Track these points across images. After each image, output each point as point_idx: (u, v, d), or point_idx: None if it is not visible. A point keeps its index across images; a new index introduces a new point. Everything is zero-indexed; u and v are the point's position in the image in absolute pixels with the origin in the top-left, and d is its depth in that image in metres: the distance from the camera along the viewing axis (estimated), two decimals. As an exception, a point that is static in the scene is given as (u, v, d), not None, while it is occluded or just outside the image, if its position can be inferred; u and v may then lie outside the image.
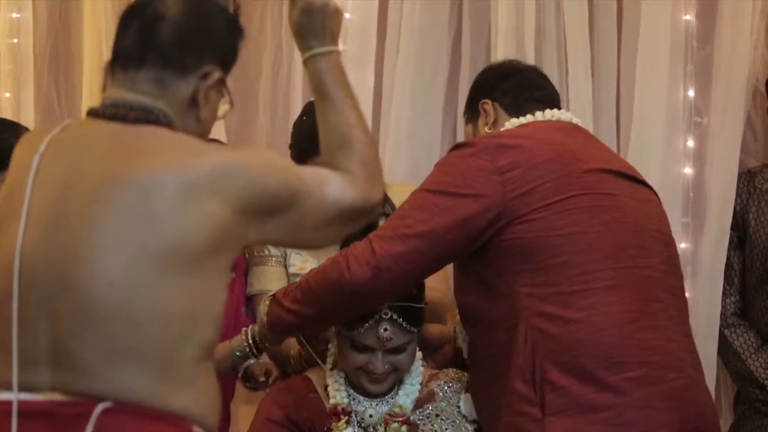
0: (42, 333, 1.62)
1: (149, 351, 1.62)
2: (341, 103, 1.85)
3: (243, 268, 2.84)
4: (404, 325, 2.34)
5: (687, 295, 2.62)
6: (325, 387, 2.44)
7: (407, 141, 3.19)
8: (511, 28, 3.07)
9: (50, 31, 3.57)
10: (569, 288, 2.13)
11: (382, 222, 2.31)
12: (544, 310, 2.13)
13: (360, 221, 1.85)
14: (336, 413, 2.39)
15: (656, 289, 2.21)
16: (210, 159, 1.69)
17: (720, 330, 2.95)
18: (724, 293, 2.96)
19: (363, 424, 2.40)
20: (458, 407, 2.41)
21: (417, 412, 2.41)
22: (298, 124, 2.83)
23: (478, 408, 2.34)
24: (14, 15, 3.53)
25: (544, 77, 2.53)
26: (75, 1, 3.56)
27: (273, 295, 2.33)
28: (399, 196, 2.48)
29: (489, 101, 2.42)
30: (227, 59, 1.82)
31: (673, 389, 2.13)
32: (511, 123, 2.38)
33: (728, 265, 2.96)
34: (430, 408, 2.42)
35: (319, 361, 2.46)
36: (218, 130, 3.14)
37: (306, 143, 2.50)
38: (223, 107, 1.85)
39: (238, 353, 2.41)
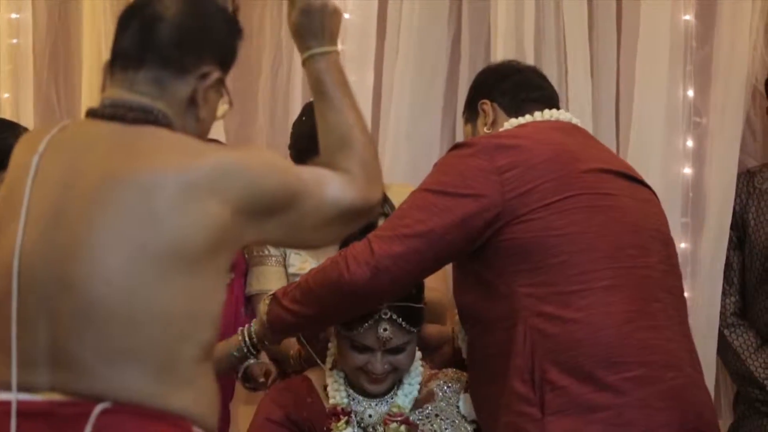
0: (41, 333, 1.62)
1: (148, 351, 1.62)
2: (340, 103, 1.85)
3: (242, 268, 2.85)
4: (404, 325, 2.34)
5: (686, 295, 2.62)
6: (325, 387, 2.44)
7: (406, 141, 3.19)
8: (510, 28, 3.07)
9: (49, 32, 3.57)
10: (568, 288, 2.13)
11: (381, 222, 2.32)
12: (542, 310, 2.13)
13: (359, 221, 1.85)
14: (335, 413, 2.39)
15: (655, 288, 2.21)
16: (209, 159, 1.69)
17: (719, 330, 2.95)
18: (723, 293, 2.96)
19: (362, 424, 2.40)
20: (458, 407, 2.41)
21: (416, 412, 2.41)
22: (297, 124, 2.83)
23: (477, 408, 2.34)
24: (13, 15, 3.52)
25: (543, 77, 2.53)
26: (74, 1, 3.56)
27: (273, 295, 2.33)
28: (398, 196, 2.48)
29: (488, 101, 2.43)
30: (226, 59, 1.82)
31: (672, 389, 2.13)
32: (510, 123, 2.38)
33: (728, 265, 2.96)
34: (430, 408, 2.42)
35: (319, 361, 2.46)
36: (218, 130, 3.14)
37: (305, 143, 2.50)
38: (222, 107, 1.85)
39: (235, 353, 2.41)
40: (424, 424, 2.39)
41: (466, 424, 2.40)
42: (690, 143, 3.04)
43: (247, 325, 2.42)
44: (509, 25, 3.07)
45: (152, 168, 1.65)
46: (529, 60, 2.98)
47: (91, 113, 1.77)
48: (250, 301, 2.82)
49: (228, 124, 3.29)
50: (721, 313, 2.95)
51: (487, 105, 2.42)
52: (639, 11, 3.03)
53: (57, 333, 1.61)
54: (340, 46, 1.93)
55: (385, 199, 2.62)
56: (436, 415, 2.41)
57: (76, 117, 3.38)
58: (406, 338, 2.36)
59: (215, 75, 1.78)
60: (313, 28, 1.88)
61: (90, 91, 3.36)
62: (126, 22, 1.78)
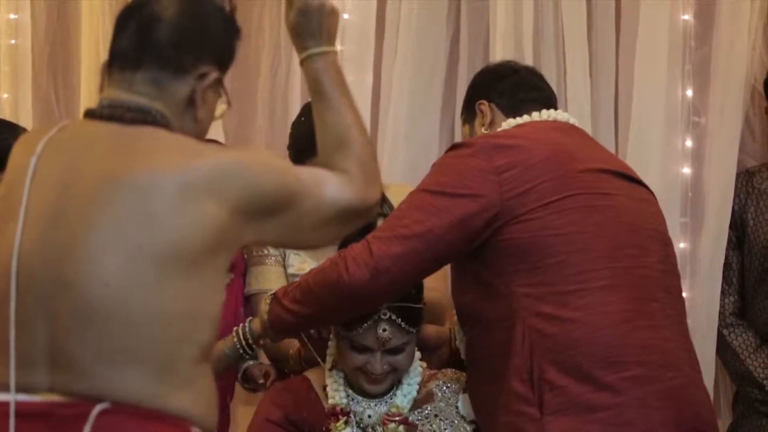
0: (40, 333, 1.62)
1: (147, 352, 1.62)
2: (338, 103, 1.85)
3: (242, 269, 2.84)
4: (403, 326, 2.34)
5: (685, 295, 2.62)
6: (324, 387, 2.44)
7: (405, 141, 3.20)
8: (509, 28, 3.07)
9: (48, 32, 3.57)
10: (566, 288, 2.13)
11: (380, 222, 2.32)
12: (541, 310, 2.13)
13: (358, 221, 1.85)
14: (335, 413, 2.39)
15: (653, 288, 2.21)
16: (208, 159, 1.69)
17: (718, 330, 2.95)
18: (722, 293, 2.96)
19: (362, 425, 2.40)
20: (457, 407, 2.41)
21: (416, 413, 2.41)
22: (296, 124, 2.83)
23: (475, 408, 2.34)
24: (12, 16, 3.52)
25: (541, 78, 2.53)
26: (73, 1, 3.56)
27: (274, 294, 2.33)
28: (397, 196, 2.48)
29: (485, 102, 2.43)
30: (224, 59, 1.82)
31: (670, 388, 2.13)
32: (508, 123, 2.38)
33: (727, 265, 2.96)
34: (429, 408, 2.41)
35: (321, 361, 2.46)
36: (217, 131, 3.14)
37: (304, 144, 2.51)
38: (220, 107, 1.85)
39: (228, 352, 2.40)
40: (423, 425, 2.39)
41: (465, 425, 2.40)
42: (689, 143, 3.04)
43: (241, 325, 2.42)
44: (508, 25, 3.07)
45: (150, 168, 1.65)
46: (528, 60, 2.98)
47: (89, 114, 1.77)
48: (249, 300, 2.82)
49: (227, 125, 3.29)
50: (720, 313, 2.95)
51: (484, 105, 2.43)
52: (638, 11, 3.04)
53: (56, 333, 1.61)
54: (338, 47, 1.93)
55: (384, 200, 2.62)
56: (436, 416, 2.40)
57: (75, 117, 3.38)
58: (405, 338, 2.36)
59: (213, 75, 1.78)
60: (311, 29, 1.88)
61: (89, 91, 3.36)
62: (124, 22, 1.78)
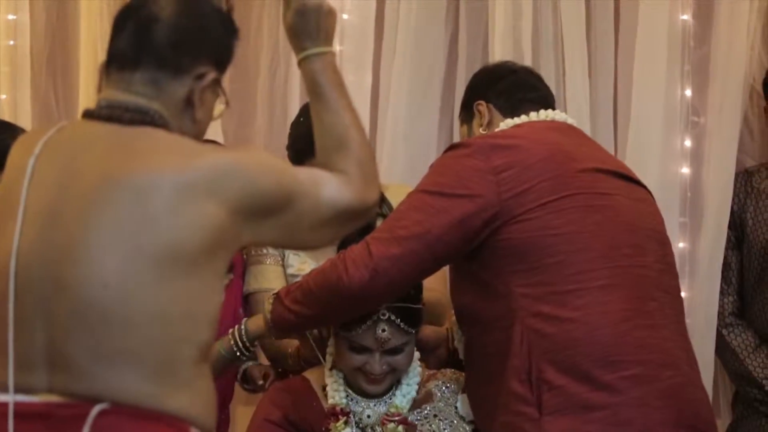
0: (38, 334, 1.62)
1: (146, 352, 1.62)
2: (336, 103, 1.85)
3: (241, 269, 2.84)
4: (402, 326, 2.34)
5: (684, 294, 2.62)
6: (323, 387, 2.44)
7: (404, 141, 3.19)
8: (508, 28, 3.08)
9: (47, 33, 3.57)
10: (564, 287, 2.13)
11: (379, 223, 2.32)
12: (539, 309, 2.13)
13: (356, 222, 1.85)
14: (334, 413, 2.39)
15: (651, 287, 2.21)
16: (206, 160, 1.69)
17: (717, 330, 2.95)
18: (721, 293, 2.96)
19: (361, 425, 2.40)
20: (456, 408, 2.41)
21: (415, 413, 2.41)
22: (295, 125, 2.83)
23: (474, 408, 2.34)
24: (11, 17, 3.52)
25: (539, 78, 2.54)
26: (72, 2, 3.55)
27: (276, 294, 2.34)
28: (396, 196, 2.48)
29: (483, 102, 2.43)
30: (222, 59, 1.82)
31: (669, 387, 2.14)
32: (506, 123, 2.38)
33: (726, 265, 2.96)
34: (428, 408, 2.41)
35: (323, 360, 2.46)
36: (216, 131, 3.14)
37: (303, 144, 2.50)
38: (218, 107, 1.85)
39: (223, 352, 2.40)
40: (422, 425, 2.39)
41: (464, 425, 2.40)
42: (688, 143, 3.04)
43: (237, 326, 2.42)
44: (507, 25, 3.07)
45: (149, 169, 1.65)
46: (527, 60, 2.98)
47: (88, 114, 1.77)
48: (247, 299, 2.82)
49: (226, 125, 3.29)
50: (720, 313, 2.95)
51: (482, 106, 2.43)
52: (637, 11, 3.04)
53: (54, 334, 1.62)
54: (337, 47, 1.93)
55: (383, 200, 2.62)
56: (435, 416, 2.40)
57: (73, 118, 3.37)
58: (404, 339, 2.36)
59: (211, 75, 1.78)
60: (309, 29, 1.88)
61: (87, 92, 3.36)
62: (122, 23, 1.79)
